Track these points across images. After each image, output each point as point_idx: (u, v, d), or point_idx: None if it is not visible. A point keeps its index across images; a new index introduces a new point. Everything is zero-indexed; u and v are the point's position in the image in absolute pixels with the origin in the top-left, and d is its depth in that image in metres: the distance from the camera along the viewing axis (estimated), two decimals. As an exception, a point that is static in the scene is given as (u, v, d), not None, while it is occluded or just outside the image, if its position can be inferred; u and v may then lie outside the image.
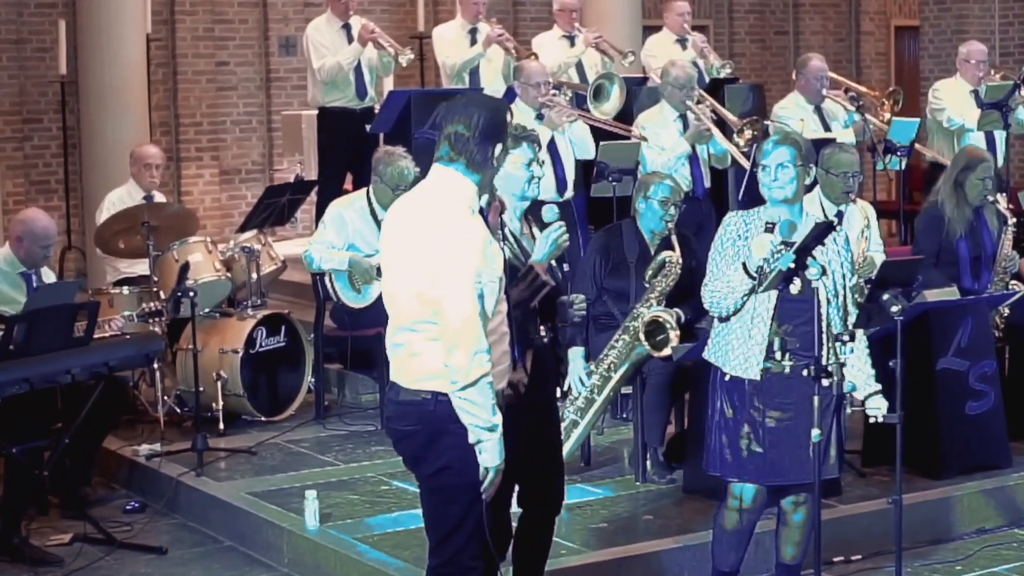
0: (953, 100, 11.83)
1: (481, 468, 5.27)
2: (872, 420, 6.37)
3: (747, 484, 6.33)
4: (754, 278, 6.10)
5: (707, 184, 10.72)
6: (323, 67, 11.64)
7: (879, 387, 6.31)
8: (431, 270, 5.24)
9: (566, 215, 9.79)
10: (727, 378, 6.29)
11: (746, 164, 10.34)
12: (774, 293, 6.15)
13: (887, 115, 11.79)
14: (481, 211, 5.43)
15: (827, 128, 11.17)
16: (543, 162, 6.24)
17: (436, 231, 5.27)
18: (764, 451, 6.23)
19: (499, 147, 5.38)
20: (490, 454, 5.27)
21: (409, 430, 5.41)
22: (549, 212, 6.12)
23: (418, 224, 5.36)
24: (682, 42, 12.65)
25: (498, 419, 5.25)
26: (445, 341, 5.21)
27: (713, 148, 10.59)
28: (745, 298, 6.17)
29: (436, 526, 5.46)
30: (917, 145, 11.70)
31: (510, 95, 10.63)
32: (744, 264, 6.12)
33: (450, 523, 5.39)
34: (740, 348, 6.24)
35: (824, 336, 6.05)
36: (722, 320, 6.29)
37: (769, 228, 6.09)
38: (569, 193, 10.33)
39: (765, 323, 6.17)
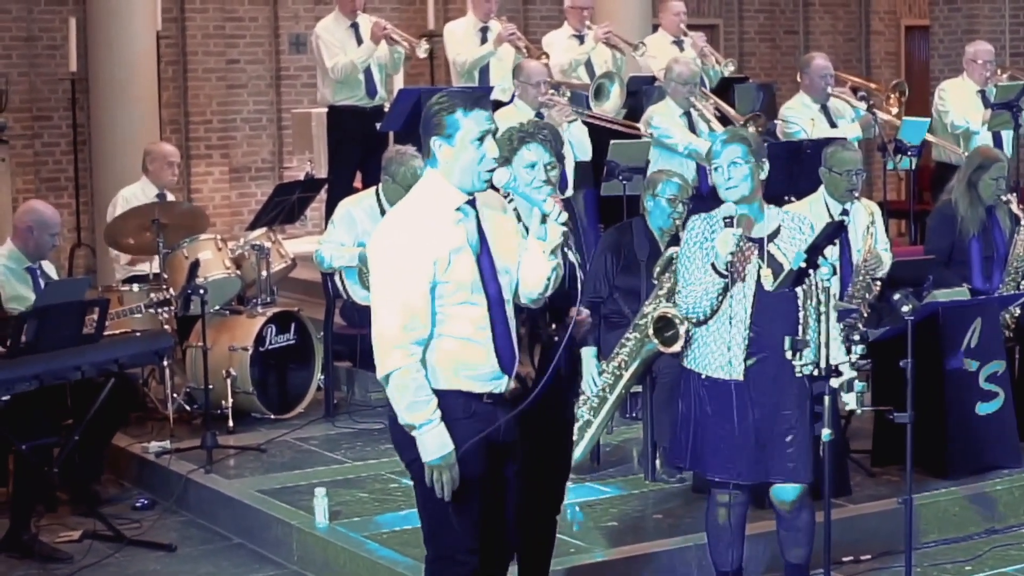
0: (959, 101, 11.83)
1: None
2: (848, 409, 6.29)
3: (729, 481, 6.32)
4: (725, 276, 6.10)
5: (712, 182, 10.70)
6: (336, 66, 11.65)
7: (854, 374, 6.22)
8: (370, 269, 5.45)
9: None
10: (703, 378, 6.26)
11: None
12: (750, 293, 6.14)
13: (894, 109, 11.77)
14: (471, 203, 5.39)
15: (833, 125, 11.16)
16: (553, 166, 6.11)
17: (381, 233, 5.44)
18: (743, 449, 6.21)
19: (435, 140, 5.31)
20: (422, 449, 5.30)
21: (392, 417, 5.48)
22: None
23: (381, 222, 5.56)
24: (679, 43, 12.59)
25: (416, 418, 5.27)
26: (372, 335, 5.37)
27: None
28: (720, 299, 6.16)
29: (424, 517, 5.49)
30: (929, 136, 11.68)
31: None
32: (713, 264, 6.10)
33: (436, 515, 5.42)
34: (719, 349, 6.22)
35: (827, 335, 6.04)
36: (699, 325, 6.27)
37: (728, 223, 6.08)
38: (569, 192, 10.32)
39: (744, 323, 6.16)
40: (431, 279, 5.25)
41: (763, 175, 6.28)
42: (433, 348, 5.33)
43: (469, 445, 5.32)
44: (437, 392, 5.32)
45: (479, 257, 5.37)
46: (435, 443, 5.28)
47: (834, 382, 5.98)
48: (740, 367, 6.17)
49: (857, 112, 11.27)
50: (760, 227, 6.24)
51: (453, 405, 5.34)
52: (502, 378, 5.43)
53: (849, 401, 6.14)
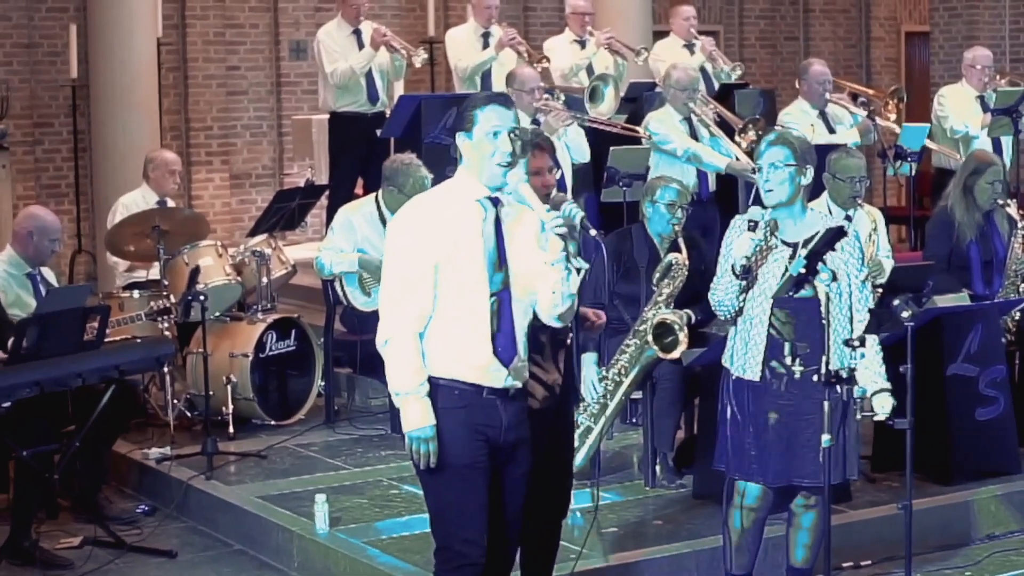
0: (957, 106, 11.84)
1: None
2: (876, 418, 6.35)
3: (751, 483, 6.34)
4: (740, 277, 6.12)
5: (712, 187, 10.74)
6: (335, 71, 11.68)
7: (887, 386, 6.30)
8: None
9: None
10: (733, 378, 6.31)
11: (749, 164, 10.28)
12: (771, 295, 6.16)
13: (892, 115, 11.77)
14: (493, 199, 5.52)
15: (832, 132, 11.17)
16: (551, 168, 6.22)
17: (400, 215, 5.66)
18: (766, 452, 6.24)
19: (459, 136, 5.52)
20: (404, 419, 5.45)
21: (397, 409, 5.58)
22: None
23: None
24: (690, 47, 12.68)
25: (402, 387, 5.42)
26: None
27: (708, 168, 10.62)
28: (741, 300, 6.19)
29: (428, 505, 5.61)
30: (928, 142, 11.68)
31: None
32: (732, 265, 6.13)
33: (436, 503, 5.55)
34: (742, 350, 6.26)
35: (831, 340, 6.06)
36: (731, 323, 6.32)
37: (751, 227, 6.10)
38: (568, 197, 10.30)
39: (763, 324, 6.19)
40: (435, 257, 5.43)
41: (806, 180, 6.29)
42: (434, 331, 5.46)
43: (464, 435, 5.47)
44: (435, 381, 5.45)
45: (492, 252, 5.49)
46: (417, 415, 5.41)
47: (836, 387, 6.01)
48: (757, 368, 6.21)
49: (855, 118, 11.27)
50: (798, 231, 6.25)
51: (447, 395, 5.47)
52: (501, 372, 5.50)
53: (879, 410, 6.25)
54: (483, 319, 5.48)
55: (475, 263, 5.47)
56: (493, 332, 5.49)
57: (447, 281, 5.45)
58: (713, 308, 6.38)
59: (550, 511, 6.25)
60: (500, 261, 5.51)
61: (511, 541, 5.76)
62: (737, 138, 10.67)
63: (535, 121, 10.05)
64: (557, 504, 6.27)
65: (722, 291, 6.23)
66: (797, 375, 6.13)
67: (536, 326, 5.72)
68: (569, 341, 6.11)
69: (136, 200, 10.30)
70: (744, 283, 6.16)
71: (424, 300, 5.44)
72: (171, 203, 10.46)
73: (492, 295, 5.49)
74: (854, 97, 11.77)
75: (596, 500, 6.44)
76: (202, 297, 8.90)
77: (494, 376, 5.51)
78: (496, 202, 5.54)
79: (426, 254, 5.44)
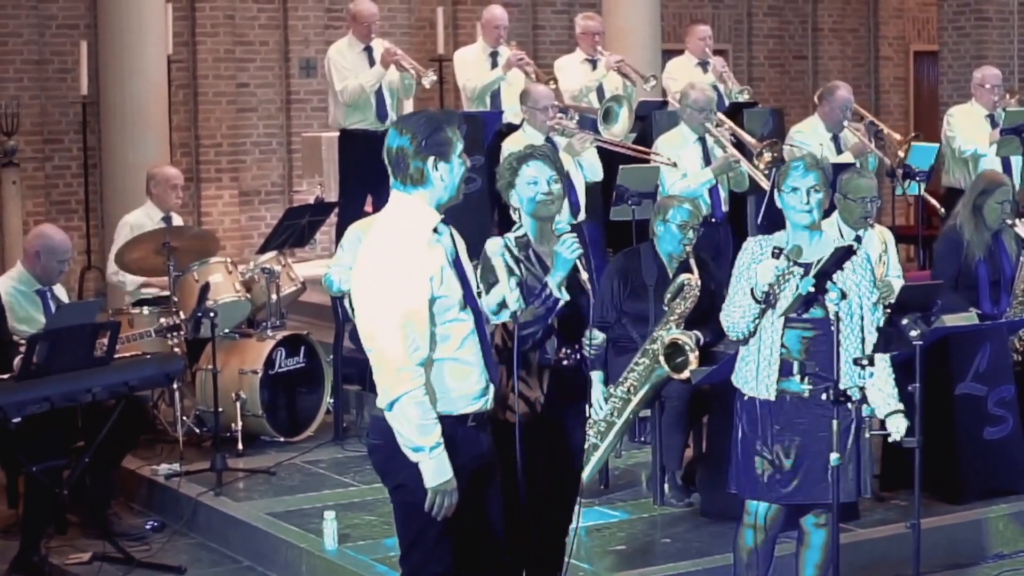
0: (966, 126, 11.83)
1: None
2: (891, 440, 6.36)
3: (762, 503, 6.34)
4: (760, 302, 6.13)
5: (726, 208, 10.72)
6: (345, 89, 11.70)
7: (900, 407, 6.30)
8: (359, 297, 5.35)
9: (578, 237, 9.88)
10: (745, 398, 6.32)
11: (767, 186, 10.28)
12: (781, 315, 6.18)
13: (902, 153, 11.73)
14: (437, 229, 5.36)
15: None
16: (556, 180, 6.21)
17: (370, 261, 5.34)
18: (778, 471, 6.24)
19: (432, 161, 5.27)
20: (427, 474, 5.27)
21: (375, 444, 5.48)
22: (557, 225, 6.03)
23: (363, 251, 5.42)
24: (703, 65, 12.70)
25: (427, 441, 5.22)
26: (372, 362, 5.31)
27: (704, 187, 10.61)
28: (757, 322, 6.20)
29: (400, 538, 5.55)
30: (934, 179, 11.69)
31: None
32: (752, 289, 6.14)
33: (409, 539, 5.48)
34: (755, 369, 6.27)
35: (842, 360, 6.07)
36: (742, 343, 6.33)
37: (775, 253, 6.11)
38: (582, 216, 10.34)
39: (776, 344, 6.20)
40: (429, 296, 5.24)
41: (827, 203, 6.34)
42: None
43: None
44: None
45: (462, 273, 5.40)
46: (441, 467, 5.27)
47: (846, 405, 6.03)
48: (772, 388, 6.21)
49: (871, 162, 11.17)
50: (811, 251, 6.27)
51: None
52: (487, 394, 5.43)
53: (893, 432, 6.25)
54: (473, 342, 5.37)
55: (458, 288, 5.34)
56: (482, 352, 5.40)
57: (437, 315, 5.28)
58: (724, 329, 6.39)
59: (554, 526, 6.25)
60: (467, 278, 5.42)
61: (507, 564, 5.72)
62: (755, 160, 10.65)
63: (548, 139, 10.06)
64: (562, 519, 6.26)
65: (738, 314, 6.22)
66: (806, 394, 6.14)
67: (525, 347, 5.73)
68: (566, 362, 6.10)
69: (140, 218, 10.33)
70: (763, 307, 6.17)
71: (426, 345, 5.25)
72: (176, 218, 10.49)
73: (473, 315, 5.38)
74: (861, 118, 11.76)
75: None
76: (212, 314, 8.93)
77: (484, 400, 5.43)
78: (446, 222, 5.41)
79: (421, 294, 5.24)
